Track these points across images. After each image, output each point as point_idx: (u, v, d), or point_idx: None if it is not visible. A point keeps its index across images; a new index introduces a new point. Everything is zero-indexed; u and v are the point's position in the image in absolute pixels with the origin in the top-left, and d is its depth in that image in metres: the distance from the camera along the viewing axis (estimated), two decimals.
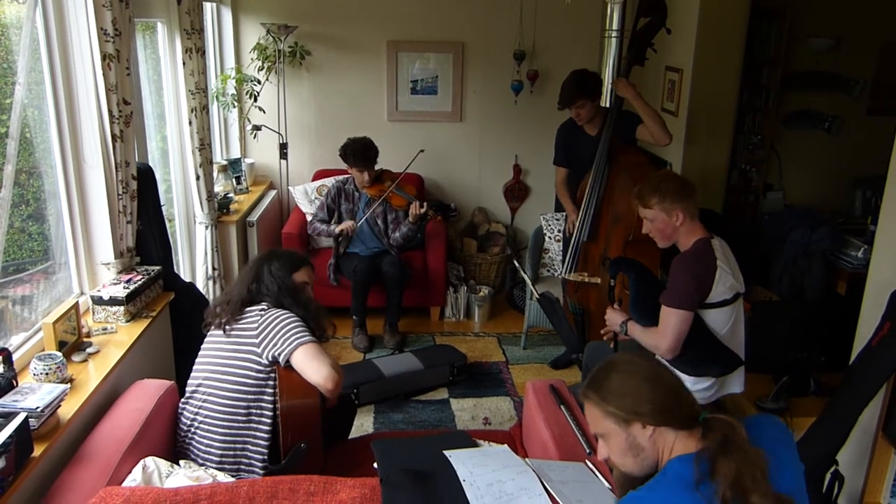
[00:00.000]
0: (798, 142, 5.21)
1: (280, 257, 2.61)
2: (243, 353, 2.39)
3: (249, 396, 2.38)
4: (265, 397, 2.38)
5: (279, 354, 2.32)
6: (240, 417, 2.38)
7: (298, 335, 2.33)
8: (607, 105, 4.25)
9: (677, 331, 2.60)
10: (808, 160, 5.23)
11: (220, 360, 2.42)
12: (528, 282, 3.70)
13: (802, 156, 5.22)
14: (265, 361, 2.36)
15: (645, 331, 2.75)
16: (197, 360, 2.51)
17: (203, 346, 2.53)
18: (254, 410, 2.38)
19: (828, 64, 5.03)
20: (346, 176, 4.78)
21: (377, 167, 4.62)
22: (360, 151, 4.49)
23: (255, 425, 2.39)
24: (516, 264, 3.88)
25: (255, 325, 2.39)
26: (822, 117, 5.13)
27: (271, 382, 2.37)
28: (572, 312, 4.04)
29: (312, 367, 2.28)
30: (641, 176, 3.47)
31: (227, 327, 2.45)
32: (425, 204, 4.53)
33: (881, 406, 2.64)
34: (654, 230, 2.74)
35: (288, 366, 2.34)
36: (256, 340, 2.37)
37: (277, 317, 2.39)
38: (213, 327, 2.51)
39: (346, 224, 4.58)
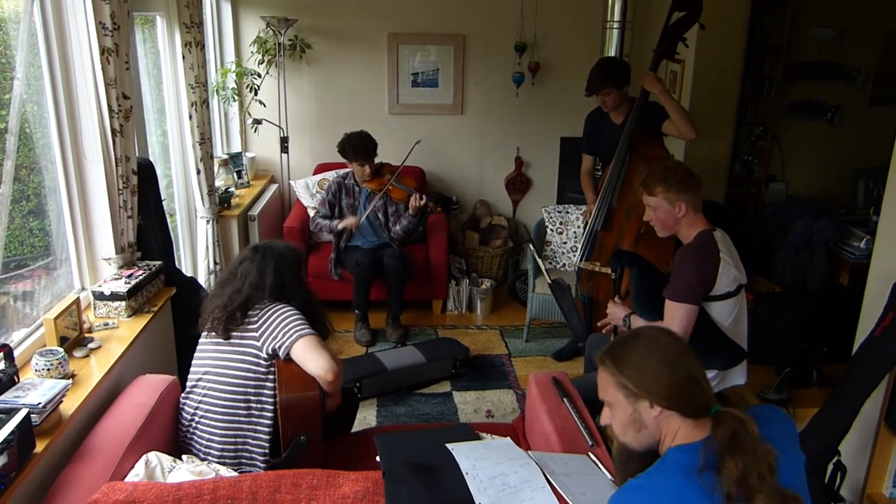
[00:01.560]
0: (800, 132, 5.19)
1: (286, 258, 2.53)
2: (244, 346, 2.38)
3: (250, 390, 2.38)
4: (265, 391, 2.38)
5: (279, 347, 2.32)
6: (240, 411, 2.38)
7: (299, 327, 2.33)
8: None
9: (683, 325, 2.58)
10: (810, 151, 5.21)
11: (220, 354, 2.42)
12: (542, 266, 3.69)
13: (805, 146, 5.20)
14: (265, 355, 2.36)
15: (650, 325, 2.74)
16: (196, 354, 2.50)
17: (201, 339, 2.51)
18: (254, 404, 2.38)
19: (830, 54, 5.01)
20: (345, 171, 4.77)
21: (376, 160, 4.62)
22: (359, 145, 4.48)
23: (255, 419, 2.39)
24: (531, 247, 3.87)
25: (255, 318, 2.39)
26: (824, 108, 5.11)
27: (272, 376, 2.37)
28: (582, 301, 4.04)
29: (312, 358, 2.27)
30: None
31: (229, 333, 2.42)
32: (425, 196, 4.52)
33: (883, 396, 2.64)
34: (656, 219, 2.73)
35: (288, 358, 2.33)
36: (257, 334, 2.37)
37: (277, 310, 2.39)
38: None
39: (349, 221, 4.58)
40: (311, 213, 4.93)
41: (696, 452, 1.50)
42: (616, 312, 2.91)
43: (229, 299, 2.42)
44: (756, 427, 1.50)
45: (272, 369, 2.37)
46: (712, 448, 1.48)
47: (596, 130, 4.07)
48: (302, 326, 2.34)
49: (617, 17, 4.71)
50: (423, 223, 4.71)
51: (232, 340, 2.40)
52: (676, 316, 2.59)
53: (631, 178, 3.71)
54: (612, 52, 4.79)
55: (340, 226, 4.58)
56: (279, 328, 2.34)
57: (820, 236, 4.24)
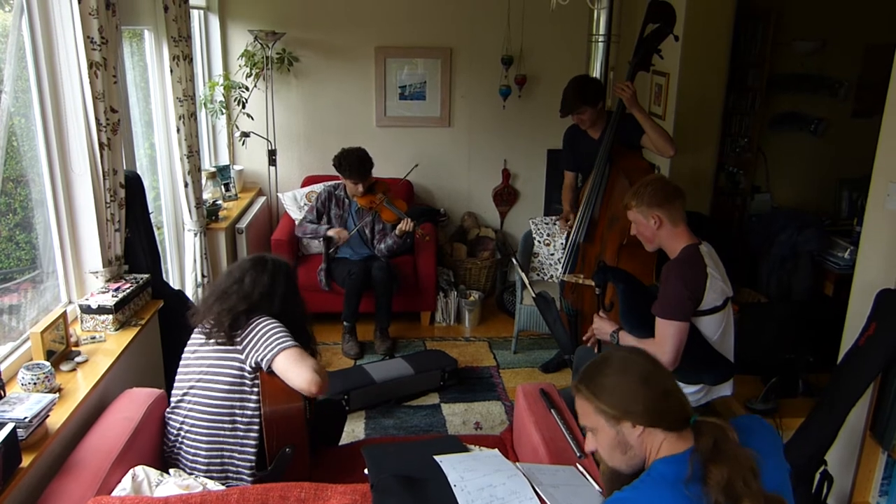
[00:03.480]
0: (784, 144, 5.24)
1: (281, 271, 2.54)
2: (227, 360, 2.38)
3: (235, 403, 2.37)
4: (250, 404, 2.37)
5: (262, 360, 2.31)
6: (225, 425, 2.37)
7: (281, 340, 2.32)
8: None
9: (676, 342, 2.57)
10: (794, 162, 5.26)
11: (205, 368, 2.41)
12: (526, 280, 3.71)
13: (789, 158, 5.25)
14: (249, 368, 2.35)
15: (640, 342, 2.71)
16: (180, 368, 2.49)
17: (185, 354, 2.50)
18: (239, 417, 2.37)
19: (813, 66, 5.07)
20: (336, 182, 4.77)
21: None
22: (356, 165, 4.47)
23: (241, 432, 2.38)
24: (515, 261, 3.89)
25: (241, 331, 2.39)
26: (807, 119, 5.16)
27: (256, 389, 2.36)
28: (566, 313, 4.05)
29: (295, 371, 2.26)
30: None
31: (222, 340, 2.41)
32: (414, 223, 4.52)
33: (868, 405, 2.66)
34: (638, 233, 2.75)
35: (271, 371, 2.32)
36: (240, 347, 2.36)
37: (260, 323, 2.38)
38: (202, 337, 2.48)
39: (340, 232, 4.56)
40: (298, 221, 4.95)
41: (682, 463, 1.50)
42: (603, 327, 2.90)
43: (237, 302, 2.40)
44: (735, 433, 1.52)
45: (256, 381, 2.37)
46: (698, 459, 1.49)
47: (575, 146, 4.09)
48: (285, 339, 2.33)
49: (602, 30, 4.75)
50: (410, 237, 4.72)
51: (215, 352, 2.40)
52: (668, 333, 2.58)
53: (611, 190, 3.73)
54: (597, 65, 4.82)
55: (331, 232, 4.57)
56: (262, 341, 2.33)
57: (804, 247, 4.28)
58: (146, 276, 3.08)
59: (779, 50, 4.96)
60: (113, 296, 2.81)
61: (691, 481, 1.46)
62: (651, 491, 1.52)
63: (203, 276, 4.08)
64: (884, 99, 2.73)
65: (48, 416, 2.15)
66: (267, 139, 5.21)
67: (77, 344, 2.67)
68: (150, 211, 3.37)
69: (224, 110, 5.08)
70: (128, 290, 2.88)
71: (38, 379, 2.27)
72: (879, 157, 2.77)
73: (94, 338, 2.73)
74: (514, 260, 3.95)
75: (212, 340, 2.41)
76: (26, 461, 1.98)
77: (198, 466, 2.37)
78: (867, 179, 2.85)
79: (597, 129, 3.91)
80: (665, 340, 2.59)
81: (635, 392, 1.57)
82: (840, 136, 5.18)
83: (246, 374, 2.36)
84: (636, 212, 2.69)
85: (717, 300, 2.64)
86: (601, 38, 4.77)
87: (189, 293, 3.97)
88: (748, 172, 5.16)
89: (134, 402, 2.45)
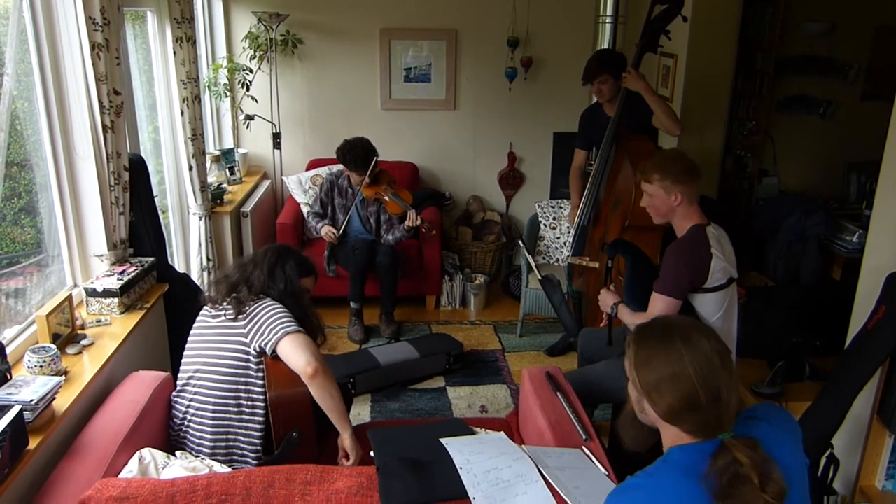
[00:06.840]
0: (792, 127, 5.20)
1: (295, 258, 2.58)
2: (232, 344, 2.38)
3: (240, 388, 2.37)
4: (256, 388, 2.37)
5: (265, 344, 2.31)
6: (230, 409, 2.37)
7: (284, 325, 2.32)
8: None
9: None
10: (802, 145, 5.23)
11: (210, 352, 2.41)
12: (532, 263, 3.70)
13: (797, 141, 5.22)
14: (254, 352, 2.35)
15: (633, 315, 2.74)
16: (185, 352, 2.50)
17: (191, 337, 2.50)
18: (244, 402, 2.37)
19: (822, 49, 5.03)
20: (338, 168, 4.74)
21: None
22: (360, 157, 4.41)
23: (246, 416, 2.38)
24: (521, 244, 3.87)
25: (244, 315, 2.39)
26: (816, 102, 5.13)
27: (261, 373, 2.36)
28: (571, 296, 4.04)
29: (296, 356, 2.27)
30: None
31: (217, 306, 2.45)
32: (421, 218, 4.48)
33: (876, 390, 2.65)
34: (652, 206, 2.72)
35: (275, 356, 2.33)
36: (244, 331, 2.36)
37: (265, 307, 2.38)
38: (208, 318, 2.49)
39: (328, 235, 4.54)
40: (304, 209, 4.93)
41: (701, 453, 1.45)
42: (606, 300, 2.92)
43: (235, 276, 2.48)
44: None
45: (261, 366, 2.37)
46: (714, 473, 1.42)
47: (590, 124, 4.07)
48: (288, 323, 2.33)
49: (609, 11, 4.71)
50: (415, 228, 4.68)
51: (220, 336, 2.40)
52: (657, 307, 2.59)
53: (616, 173, 3.71)
54: (604, 47, 4.78)
55: (322, 232, 4.57)
56: (266, 325, 2.33)
57: (812, 230, 4.26)
58: (151, 259, 3.08)
59: (788, 32, 4.92)
60: (118, 279, 2.81)
61: (709, 477, 1.41)
62: (666, 479, 1.47)
63: (208, 259, 4.08)
64: (894, 81, 2.69)
65: (54, 398, 2.15)
66: (271, 122, 5.19)
67: (83, 327, 2.67)
68: (155, 194, 3.37)
69: (228, 93, 5.06)
70: (133, 274, 2.88)
71: (44, 362, 2.27)
72: (891, 139, 2.73)
73: (99, 321, 2.73)
74: (520, 243, 3.93)
75: (218, 319, 2.43)
76: (33, 443, 1.99)
77: (203, 450, 2.37)
78: (876, 163, 2.82)
79: (613, 106, 3.87)
80: (653, 313, 2.60)
81: (661, 389, 1.50)
82: (849, 119, 5.15)
83: (251, 357, 2.36)
84: (658, 185, 2.63)
85: (721, 280, 2.62)
86: (608, 20, 4.73)
87: (194, 276, 3.97)
88: (756, 156, 5.13)
89: (140, 385, 2.46)
